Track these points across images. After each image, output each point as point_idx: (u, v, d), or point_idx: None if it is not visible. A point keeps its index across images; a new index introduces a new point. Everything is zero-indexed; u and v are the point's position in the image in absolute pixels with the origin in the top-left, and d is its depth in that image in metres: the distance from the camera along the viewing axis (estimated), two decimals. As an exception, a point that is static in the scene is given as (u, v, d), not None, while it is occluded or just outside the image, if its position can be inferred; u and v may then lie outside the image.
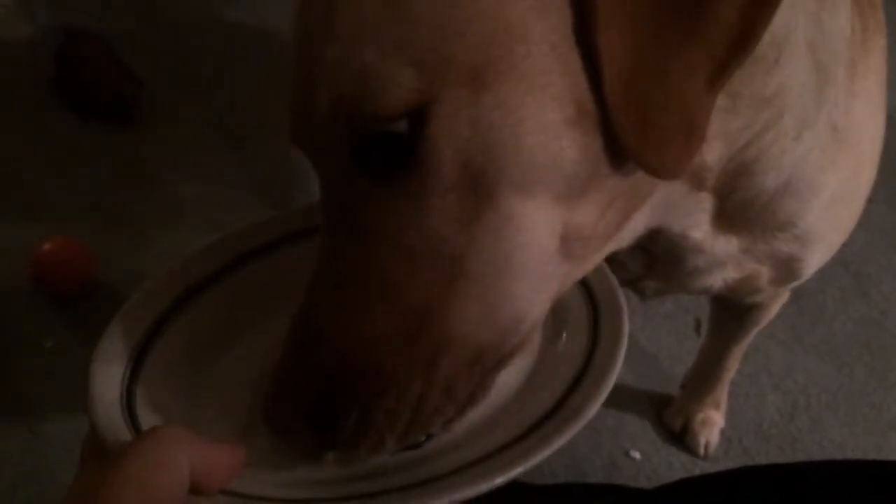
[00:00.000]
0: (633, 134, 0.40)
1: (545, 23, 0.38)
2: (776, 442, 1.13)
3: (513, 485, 0.41)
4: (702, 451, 1.10)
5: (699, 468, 1.11)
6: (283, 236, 0.59)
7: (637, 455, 1.11)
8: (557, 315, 0.53)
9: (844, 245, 0.67)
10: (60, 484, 1.01)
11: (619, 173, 0.42)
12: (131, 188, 1.42)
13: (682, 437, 1.12)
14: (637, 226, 0.51)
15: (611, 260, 0.62)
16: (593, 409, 0.45)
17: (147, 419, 0.46)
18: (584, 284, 0.54)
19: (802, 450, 1.12)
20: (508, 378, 0.50)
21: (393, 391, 0.43)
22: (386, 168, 0.40)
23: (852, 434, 1.14)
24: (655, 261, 0.62)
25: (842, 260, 1.34)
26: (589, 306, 0.53)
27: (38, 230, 1.26)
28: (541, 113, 0.38)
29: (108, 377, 0.47)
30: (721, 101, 0.46)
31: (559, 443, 0.43)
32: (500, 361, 0.45)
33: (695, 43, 0.39)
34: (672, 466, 1.10)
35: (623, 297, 0.53)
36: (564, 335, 0.53)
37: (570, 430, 0.44)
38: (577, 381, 0.48)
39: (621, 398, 1.17)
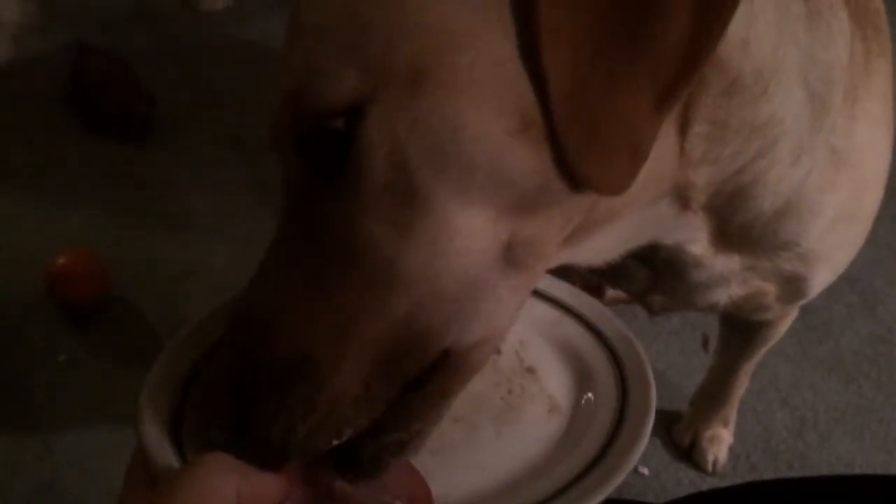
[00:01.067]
0: (578, 150, 0.40)
1: (489, 36, 0.39)
2: (784, 458, 1.13)
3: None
4: (710, 467, 1.10)
5: (707, 484, 1.11)
6: None
7: (646, 471, 1.11)
8: (583, 377, 0.55)
9: (851, 262, 0.68)
10: (74, 496, 1.02)
11: (576, 189, 0.42)
12: (145, 203, 1.44)
13: (690, 454, 1.12)
14: (617, 242, 0.52)
15: (619, 273, 0.64)
16: (620, 477, 0.46)
17: (194, 448, 0.46)
18: (609, 348, 0.56)
19: (810, 466, 1.12)
20: (537, 434, 0.52)
21: (314, 381, 0.42)
22: (327, 166, 0.41)
23: (860, 450, 1.14)
24: (659, 275, 0.63)
25: (848, 276, 1.33)
26: (616, 369, 0.55)
27: (52, 244, 1.27)
28: (482, 122, 0.39)
29: (157, 404, 0.48)
30: (706, 129, 0.47)
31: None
32: (438, 374, 0.45)
33: (640, 64, 0.39)
34: (681, 482, 1.11)
35: (649, 365, 0.54)
36: (592, 396, 0.54)
37: (598, 496, 0.45)
38: (606, 447, 0.49)
39: (629, 414, 1.16)
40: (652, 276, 0.63)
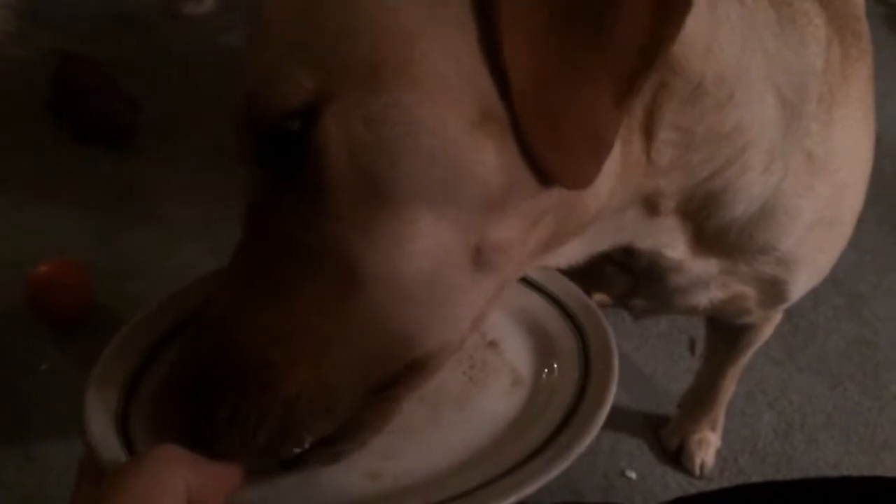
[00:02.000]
0: (541, 143, 0.40)
1: (442, 31, 0.39)
2: (771, 461, 1.13)
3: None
4: (697, 470, 1.10)
5: (695, 488, 1.11)
6: None
7: (633, 475, 1.11)
8: (546, 348, 0.55)
9: (836, 265, 0.68)
10: (56, 507, 1.01)
11: (543, 184, 0.42)
12: (128, 211, 1.43)
13: (677, 457, 1.12)
14: (588, 247, 0.52)
15: (600, 279, 0.65)
16: (584, 444, 0.46)
17: (142, 442, 0.46)
18: (572, 319, 0.56)
19: (797, 469, 1.12)
20: (500, 407, 0.51)
21: (270, 386, 0.41)
22: (285, 168, 0.41)
23: (847, 453, 1.14)
24: (639, 281, 0.63)
25: (834, 280, 1.35)
26: (578, 339, 0.54)
27: (35, 253, 1.26)
28: (439, 115, 0.39)
29: (103, 399, 0.48)
30: (672, 136, 0.47)
31: (553, 473, 0.44)
32: (399, 379, 0.44)
33: (599, 59, 0.40)
34: (668, 486, 1.10)
35: (613, 334, 0.54)
36: (556, 366, 0.54)
37: (563, 463, 0.44)
38: (569, 416, 0.49)
39: (617, 418, 1.17)
40: (632, 281, 0.63)
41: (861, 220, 0.66)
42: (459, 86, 0.39)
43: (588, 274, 0.63)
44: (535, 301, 0.57)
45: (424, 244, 0.40)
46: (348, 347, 0.42)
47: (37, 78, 1.61)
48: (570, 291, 0.58)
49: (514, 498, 0.42)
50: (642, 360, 1.25)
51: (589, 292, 1.26)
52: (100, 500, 0.36)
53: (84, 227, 1.38)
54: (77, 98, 1.53)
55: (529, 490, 0.43)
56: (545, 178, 0.41)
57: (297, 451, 0.44)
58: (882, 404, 1.20)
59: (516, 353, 0.55)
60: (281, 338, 0.42)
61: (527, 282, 0.58)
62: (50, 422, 1.11)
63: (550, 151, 0.40)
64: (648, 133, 0.47)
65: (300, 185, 0.41)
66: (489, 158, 0.40)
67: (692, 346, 1.26)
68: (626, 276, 0.63)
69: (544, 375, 0.54)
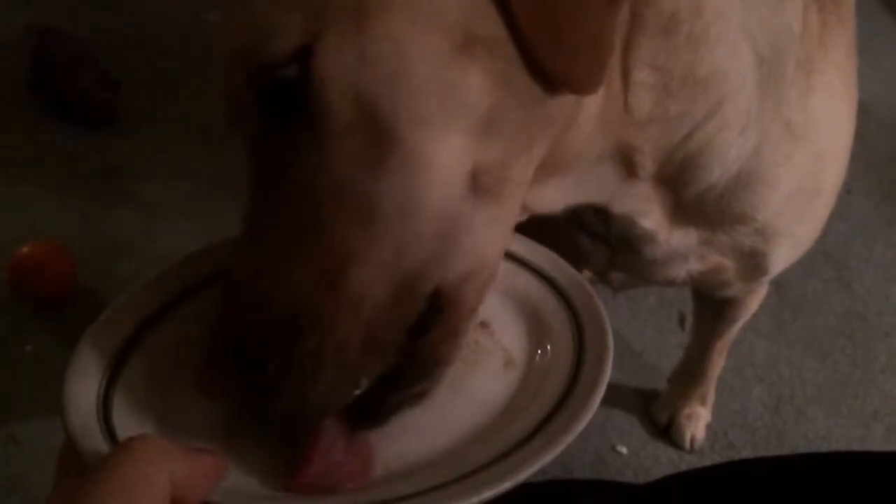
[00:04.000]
0: (544, 49, 0.41)
1: None
2: (761, 435, 1.13)
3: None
4: (687, 444, 1.11)
5: (686, 462, 1.11)
6: None
7: (624, 450, 1.11)
8: (539, 329, 0.54)
9: (825, 237, 0.67)
10: (46, 489, 1.00)
11: (526, 105, 0.43)
12: (111, 191, 1.41)
13: (668, 432, 1.12)
14: (566, 194, 0.53)
15: (578, 253, 0.66)
16: (579, 428, 0.45)
17: (125, 430, 0.45)
18: (565, 298, 0.55)
19: (788, 442, 1.13)
20: (493, 390, 0.50)
21: (316, 333, 0.42)
22: (288, 117, 0.41)
23: (836, 425, 1.15)
24: (616, 252, 0.63)
25: (823, 252, 1.35)
26: (571, 319, 0.54)
27: (17, 233, 1.24)
28: (425, 42, 0.39)
29: (83, 387, 0.46)
30: (649, 77, 0.48)
31: (548, 458, 0.43)
32: (435, 317, 0.45)
33: None
34: (659, 461, 1.11)
35: (606, 314, 0.53)
36: (549, 347, 0.53)
37: (559, 445, 0.44)
38: (563, 399, 0.48)
39: (608, 394, 1.15)
40: (609, 253, 0.64)
41: (850, 192, 0.66)
42: (442, 10, 0.40)
43: (566, 248, 0.64)
44: (527, 280, 0.56)
45: (427, 173, 0.41)
46: (377, 286, 0.42)
47: (14, 56, 1.58)
48: (563, 269, 0.57)
49: (508, 484, 0.41)
50: (632, 335, 1.25)
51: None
52: (79, 492, 0.34)
53: (67, 208, 1.36)
54: (57, 77, 1.50)
55: (523, 475, 0.42)
56: (553, 85, 0.42)
57: (357, 392, 0.44)
58: (871, 376, 1.21)
59: (508, 334, 0.54)
60: (315, 287, 0.42)
61: (518, 260, 0.57)
62: (35, 403, 1.10)
63: (554, 55, 0.41)
64: (625, 72, 0.48)
65: (305, 133, 0.41)
66: (475, 82, 0.40)
67: (682, 321, 1.26)
68: (603, 249, 0.64)
69: (537, 357, 0.53)
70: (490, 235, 0.45)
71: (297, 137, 0.41)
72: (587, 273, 0.77)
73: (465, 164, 0.42)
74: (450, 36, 0.40)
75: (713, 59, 0.49)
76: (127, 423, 0.45)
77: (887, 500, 0.48)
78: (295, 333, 0.42)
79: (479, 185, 0.43)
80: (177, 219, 1.36)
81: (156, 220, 1.36)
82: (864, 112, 1.66)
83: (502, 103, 0.42)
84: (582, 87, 0.43)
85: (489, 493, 0.40)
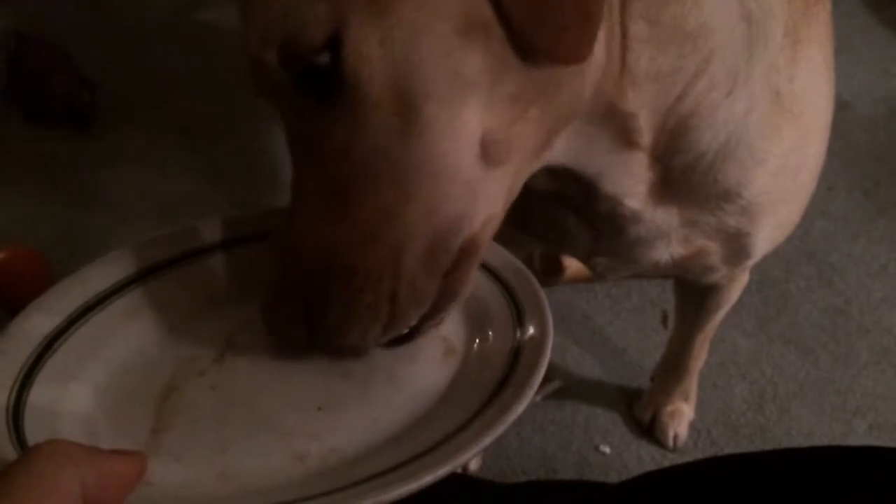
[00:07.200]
0: (533, 25, 0.45)
1: None
2: (745, 432, 1.13)
3: (482, 484, 0.40)
4: (671, 443, 1.10)
5: (669, 460, 1.10)
6: (187, 251, 0.59)
7: (607, 449, 1.10)
8: (479, 316, 0.54)
9: (806, 233, 0.67)
10: None
11: (521, 81, 0.47)
12: (88, 196, 1.39)
13: (651, 430, 1.12)
14: (567, 155, 0.55)
15: (563, 235, 0.68)
16: (520, 409, 0.45)
17: (35, 435, 0.43)
18: (504, 285, 0.56)
19: (771, 439, 1.12)
20: (432, 379, 0.51)
21: (369, 288, 0.48)
22: (325, 96, 0.46)
23: (819, 422, 1.15)
24: (600, 234, 0.64)
25: (805, 249, 1.34)
26: (511, 304, 0.54)
27: (-8, 239, 1.23)
28: (432, 28, 0.44)
29: None
30: (643, 29, 0.51)
31: (488, 440, 0.43)
32: (459, 260, 0.50)
33: None
34: (642, 460, 1.10)
35: (545, 296, 0.54)
36: (490, 333, 0.53)
37: (496, 430, 0.44)
38: (505, 381, 0.48)
39: (590, 393, 1.16)
40: (594, 235, 0.65)
41: (832, 189, 0.66)
42: (446, 0, 0.44)
43: (552, 229, 0.68)
44: None
45: (444, 141, 0.46)
46: (418, 242, 0.48)
47: (-10, 60, 1.57)
48: (501, 256, 0.58)
49: (444, 470, 0.41)
50: (615, 334, 1.24)
51: (562, 269, 1.27)
52: None
53: (42, 213, 1.35)
54: (32, 80, 1.48)
55: (461, 461, 0.42)
56: (544, 58, 0.46)
57: (406, 330, 0.50)
58: (854, 372, 1.21)
59: (448, 323, 0.54)
60: (360, 247, 0.47)
61: None
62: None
63: (543, 30, 0.45)
64: (624, 28, 0.51)
65: (339, 109, 0.46)
66: (476, 62, 0.45)
67: (664, 320, 1.26)
68: (587, 233, 0.65)
69: (476, 344, 0.53)
70: (502, 190, 0.50)
71: (332, 113, 0.46)
72: (579, 271, 0.78)
73: (476, 133, 0.46)
74: (453, 22, 0.44)
75: (700, 12, 0.51)
76: (40, 428, 0.44)
77: (861, 494, 0.48)
78: (351, 289, 0.48)
79: (489, 152, 0.47)
80: (156, 223, 1.34)
81: (134, 225, 1.34)
82: (846, 109, 1.67)
83: (501, 78, 0.46)
84: (569, 59, 0.47)
85: (428, 479, 0.40)
